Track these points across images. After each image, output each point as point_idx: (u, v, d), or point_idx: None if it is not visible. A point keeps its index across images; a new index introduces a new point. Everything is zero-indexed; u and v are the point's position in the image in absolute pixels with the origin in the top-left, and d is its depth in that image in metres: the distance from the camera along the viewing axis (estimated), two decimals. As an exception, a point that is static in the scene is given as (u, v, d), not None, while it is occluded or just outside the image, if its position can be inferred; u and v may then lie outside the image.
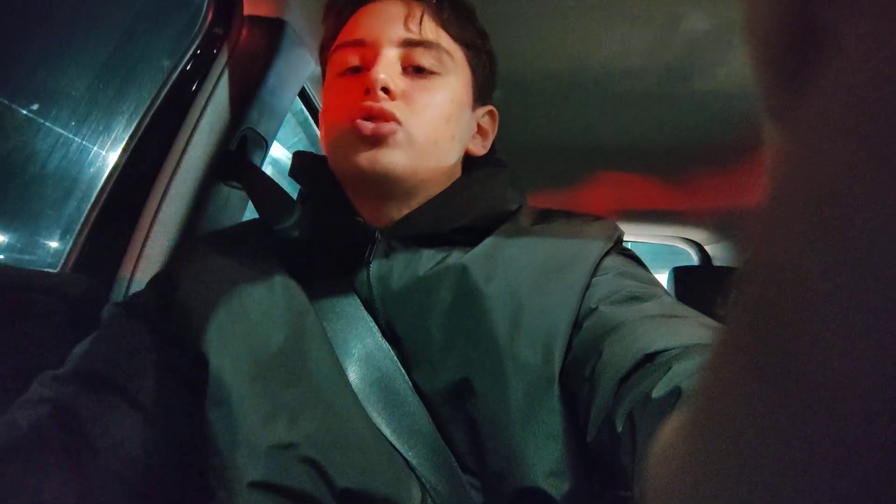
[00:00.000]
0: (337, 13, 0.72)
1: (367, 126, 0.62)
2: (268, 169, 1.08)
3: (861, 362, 0.11)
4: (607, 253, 0.64)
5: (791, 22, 0.13)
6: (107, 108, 1.13)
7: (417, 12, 0.67)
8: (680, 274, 1.87)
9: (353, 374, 0.60)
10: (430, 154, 0.65)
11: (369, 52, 0.66)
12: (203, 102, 0.88)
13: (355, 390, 0.59)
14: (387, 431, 0.58)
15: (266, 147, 0.99)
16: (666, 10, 0.88)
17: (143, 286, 0.67)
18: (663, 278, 1.88)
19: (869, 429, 0.10)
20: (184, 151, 0.86)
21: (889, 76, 0.10)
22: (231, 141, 0.91)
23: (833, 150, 0.11)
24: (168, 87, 0.90)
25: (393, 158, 0.63)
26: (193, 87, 0.90)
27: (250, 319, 0.60)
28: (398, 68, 0.65)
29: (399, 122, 0.63)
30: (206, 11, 0.93)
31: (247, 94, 0.93)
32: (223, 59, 0.92)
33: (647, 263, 0.67)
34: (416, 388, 0.60)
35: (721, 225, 1.96)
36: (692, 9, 0.88)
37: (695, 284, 1.82)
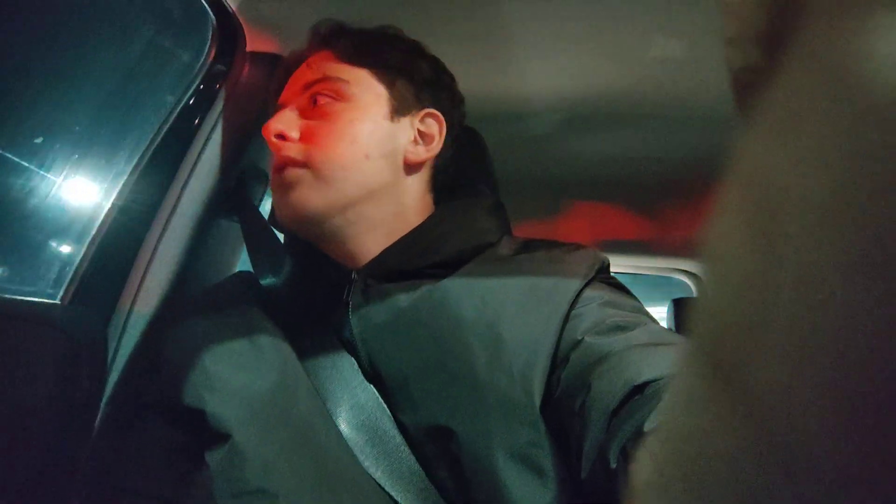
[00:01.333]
0: (275, 93, 0.78)
1: (275, 176, 0.68)
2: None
3: (795, 372, 0.11)
4: (589, 282, 0.64)
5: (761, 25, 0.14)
6: (109, 142, 1.14)
7: (307, 63, 0.73)
8: (679, 306, 1.87)
9: (341, 419, 0.60)
10: (342, 180, 0.66)
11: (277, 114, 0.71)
12: (204, 138, 0.89)
13: (343, 434, 0.59)
14: (376, 474, 0.57)
15: (266, 181, 1.00)
16: (644, 38, 0.90)
17: (141, 319, 0.68)
18: (663, 311, 1.87)
19: (804, 429, 0.11)
20: (184, 186, 0.86)
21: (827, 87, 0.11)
22: (231, 176, 0.92)
23: (773, 161, 0.12)
24: (171, 121, 0.91)
25: (300, 199, 0.66)
26: (196, 122, 0.91)
27: (237, 367, 0.61)
28: (294, 115, 0.70)
29: (299, 161, 0.66)
30: (209, 48, 0.95)
31: (248, 129, 0.94)
32: (225, 94, 0.93)
33: (646, 296, 0.67)
34: (401, 426, 0.60)
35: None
36: (671, 37, 0.89)
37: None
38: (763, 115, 0.12)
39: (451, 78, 0.79)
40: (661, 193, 1.50)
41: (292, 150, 0.67)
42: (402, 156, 0.71)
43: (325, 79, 0.70)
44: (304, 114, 0.70)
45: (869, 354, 0.10)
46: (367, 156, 0.68)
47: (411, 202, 0.72)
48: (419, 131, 0.73)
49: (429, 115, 0.74)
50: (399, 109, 0.72)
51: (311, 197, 0.66)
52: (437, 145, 0.74)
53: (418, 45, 0.76)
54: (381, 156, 0.69)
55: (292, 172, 0.66)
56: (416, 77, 0.74)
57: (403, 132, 0.72)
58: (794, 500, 0.11)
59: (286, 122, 0.68)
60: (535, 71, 0.99)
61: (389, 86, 0.72)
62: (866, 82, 0.10)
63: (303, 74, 0.72)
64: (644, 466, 0.16)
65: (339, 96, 0.69)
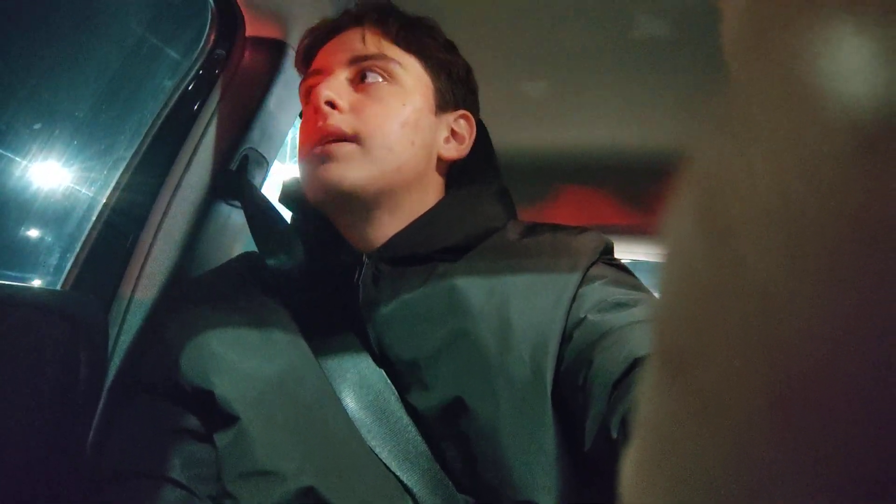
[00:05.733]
0: (304, 55, 0.76)
1: (318, 147, 0.65)
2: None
3: (742, 371, 0.11)
4: (593, 264, 0.65)
5: None
6: (109, 126, 1.14)
7: (364, 33, 0.70)
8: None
9: (348, 399, 0.60)
10: (387, 161, 0.66)
11: (322, 79, 0.69)
12: (205, 122, 0.89)
13: (350, 415, 0.59)
14: (382, 454, 0.58)
15: (267, 166, 1.00)
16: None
17: (142, 306, 0.67)
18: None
19: (752, 428, 0.11)
20: (185, 171, 0.86)
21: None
22: (232, 160, 0.92)
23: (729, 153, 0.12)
24: (170, 106, 0.91)
25: (344, 172, 0.64)
26: (195, 107, 0.91)
27: (245, 350, 0.61)
28: (345, 85, 0.68)
29: (348, 135, 0.64)
30: (209, 33, 0.94)
31: (248, 114, 0.93)
32: (225, 79, 0.92)
33: (644, 281, 0.67)
34: (410, 408, 0.60)
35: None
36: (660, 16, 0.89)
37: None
38: (719, 116, 0.13)
39: (475, 83, 0.79)
40: (657, 179, 1.50)
41: (342, 122, 0.65)
42: (437, 150, 0.72)
43: (382, 57, 0.69)
44: (351, 86, 0.69)
45: (815, 354, 0.10)
46: (413, 143, 0.68)
47: (432, 194, 0.72)
48: (452, 130, 0.74)
49: (463, 116, 0.76)
50: (441, 105, 0.73)
51: (356, 172, 0.64)
52: (466, 147, 0.75)
53: (451, 42, 0.77)
54: (423, 146, 0.70)
55: (340, 147, 0.65)
56: (454, 74, 0.75)
57: (441, 128, 0.73)
58: (746, 495, 0.12)
59: (338, 91, 0.67)
60: (531, 55, 0.99)
61: (434, 78, 0.72)
62: (816, 92, 0.10)
63: (353, 44, 0.70)
64: (629, 455, 0.16)
65: (391, 78, 0.69)
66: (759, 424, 0.11)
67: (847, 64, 0.10)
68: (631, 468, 0.16)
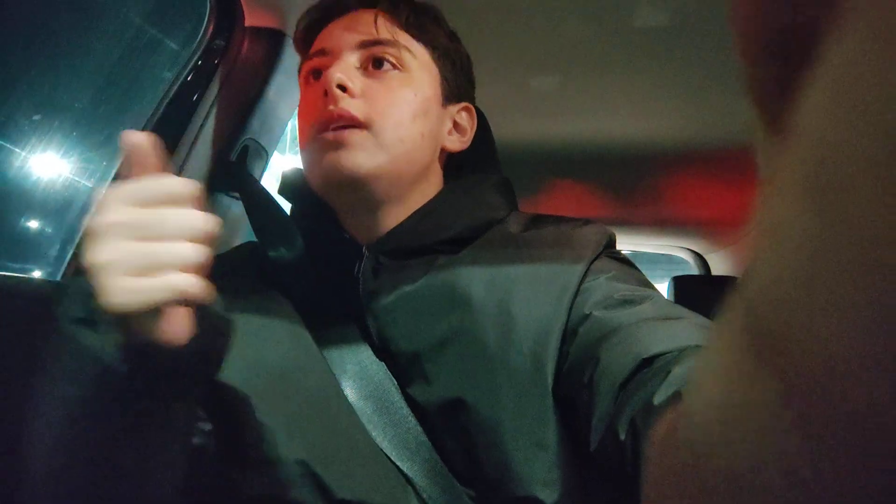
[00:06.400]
0: (306, 33, 0.73)
1: (329, 133, 0.62)
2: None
3: (857, 349, 0.10)
4: (597, 257, 0.64)
5: (774, 19, 0.14)
6: (109, 117, 1.13)
7: (377, 15, 0.68)
8: (680, 283, 1.87)
9: (349, 389, 0.60)
10: (398, 152, 0.64)
11: (330, 60, 0.66)
12: (204, 113, 0.89)
13: (351, 405, 0.59)
14: (383, 444, 0.58)
15: (267, 157, 1.00)
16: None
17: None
18: (663, 287, 1.88)
19: (862, 412, 0.10)
20: (184, 162, 0.86)
21: (881, 75, 0.10)
22: (232, 151, 0.92)
23: (835, 143, 0.11)
24: (169, 97, 0.90)
25: (357, 160, 0.62)
26: (195, 98, 0.91)
27: (246, 339, 0.60)
28: (355, 68, 0.66)
29: (360, 121, 0.62)
30: (208, 23, 0.94)
31: (247, 104, 0.93)
32: (224, 69, 0.92)
33: (646, 272, 0.67)
34: (411, 400, 0.60)
35: (720, 234, 1.96)
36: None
37: (695, 294, 1.81)
38: (816, 75, 0.12)
39: (473, 73, 0.78)
40: (671, 173, 1.50)
41: (354, 107, 0.63)
42: (441, 142, 0.71)
43: (395, 43, 0.67)
44: (362, 71, 0.67)
45: None
46: (423, 134, 0.67)
47: (434, 185, 0.72)
48: (455, 122, 0.73)
49: (465, 108, 0.74)
50: (447, 97, 0.72)
51: (368, 161, 0.62)
52: (468, 139, 0.74)
53: (455, 32, 0.75)
54: (431, 137, 0.69)
55: (353, 133, 0.62)
56: (458, 65, 0.74)
57: (446, 120, 0.72)
58: (829, 484, 0.11)
59: (350, 75, 0.64)
60: (551, 38, 0.98)
61: (441, 68, 0.71)
62: None
63: (364, 28, 0.67)
64: (670, 444, 0.16)
65: (402, 66, 0.67)
66: (876, 423, 0.10)
67: None
68: (676, 446, 0.15)
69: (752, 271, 0.13)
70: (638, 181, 1.56)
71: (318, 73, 0.68)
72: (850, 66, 0.11)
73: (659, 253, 2.27)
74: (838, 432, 0.11)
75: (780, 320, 0.12)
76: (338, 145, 0.62)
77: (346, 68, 0.64)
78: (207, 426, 0.59)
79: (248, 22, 0.95)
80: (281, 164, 1.63)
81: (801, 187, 0.12)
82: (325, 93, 0.63)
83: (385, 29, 0.67)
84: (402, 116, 0.65)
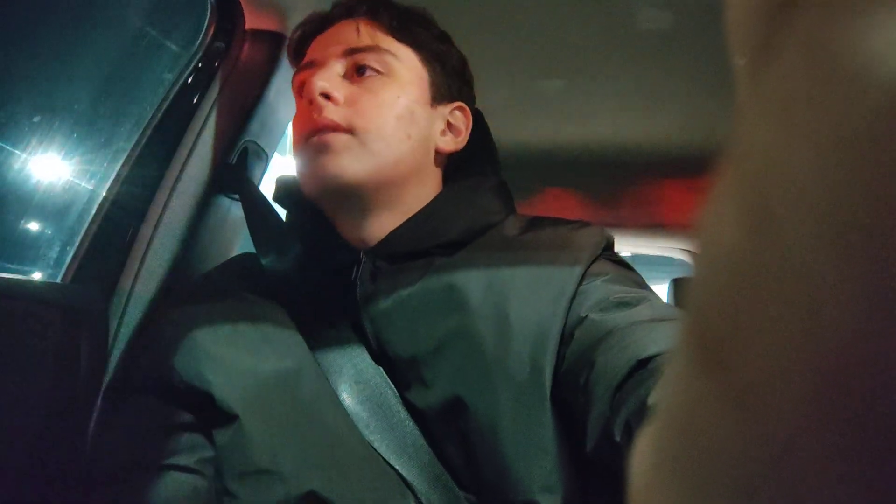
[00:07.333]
0: (296, 47, 0.75)
1: (314, 138, 0.64)
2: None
3: (787, 366, 0.11)
4: (595, 260, 0.64)
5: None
6: (109, 120, 1.13)
7: (357, 24, 0.69)
8: (679, 285, 1.87)
9: (345, 395, 0.60)
10: (383, 154, 0.65)
11: (316, 71, 0.68)
12: (204, 115, 0.89)
13: (348, 411, 0.59)
14: (382, 448, 0.58)
15: (267, 159, 1.00)
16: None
17: (142, 299, 0.67)
18: (663, 289, 1.87)
19: (793, 422, 0.11)
20: (185, 164, 0.86)
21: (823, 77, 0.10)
22: (232, 153, 0.92)
23: (773, 138, 0.11)
24: (169, 99, 0.90)
25: (341, 163, 0.63)
26: (195, 100, 0.91)
27: (242, 349, 0.61)
28: (339, 76, 0.67)
29: (343, 127, 0.63)
30: (208, 25, 0.94)
31: (247, 106, 0.93)
32: (224, 72, 0.92)
33: (646, 275, 0.67)
34: (409, 404, 0.60)
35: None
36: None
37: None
38: (758, 96, 0.12)
39: (471, 74, 0.78)
40: (669, 174, 1.50)
41: (336, 114, 0.64)
42: (434, 143, 0.72)
43: (376, 49, 0.68)
44: (346, 78, 0.68)
45: (862, 344, 0.10)
46: (409, 136, 0.67)
47: (431, 188, 0.72)
48: (448, 123, 0.74)
49: (459, 108, 0.75)
50: (437, 97, 0.72)
51: (353, 165, 0.64)
52: (464, 139, 0.75)
53: (446, 33, 0.76)
54: (419, 139, 0.69)
55: (336, 137, 0.64)
56: (448, 66, 0.74)
57: (437, 120, 0.72)
58: (781, 494, 0.11)
59: (333, 83, 0.66)
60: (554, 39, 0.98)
61: (429, 70, 0.72)
62: (859, 72, 0.10)
63: (347, 36, 0.69)
64: (643, 451, 0.16)
65: (385, 70, 0.68)
66: (803, 418, 0.11)
67: (890, 42, 0.10)
68: (646, 460, 0.15)
69: (697, 281, 0.13)
70: (637, 183, 1.56)
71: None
72: (784, 83, 0.11)
73: (659, 255, 2.27)
74: (783, 449, 0.11)
75: (719, 329, 0.12)
76: (322, 149, 0.64)
77: (329, 77, 0.66)
78: (207, 435, 0.59)
79: (248, 24, 0.95)
80: (281, 166, 1.63)
81: (737, 204, 0.12)
82: (311, 102, 0.64)
83: (367, 36, 0.69)
84: (385, 119, 0.65)
